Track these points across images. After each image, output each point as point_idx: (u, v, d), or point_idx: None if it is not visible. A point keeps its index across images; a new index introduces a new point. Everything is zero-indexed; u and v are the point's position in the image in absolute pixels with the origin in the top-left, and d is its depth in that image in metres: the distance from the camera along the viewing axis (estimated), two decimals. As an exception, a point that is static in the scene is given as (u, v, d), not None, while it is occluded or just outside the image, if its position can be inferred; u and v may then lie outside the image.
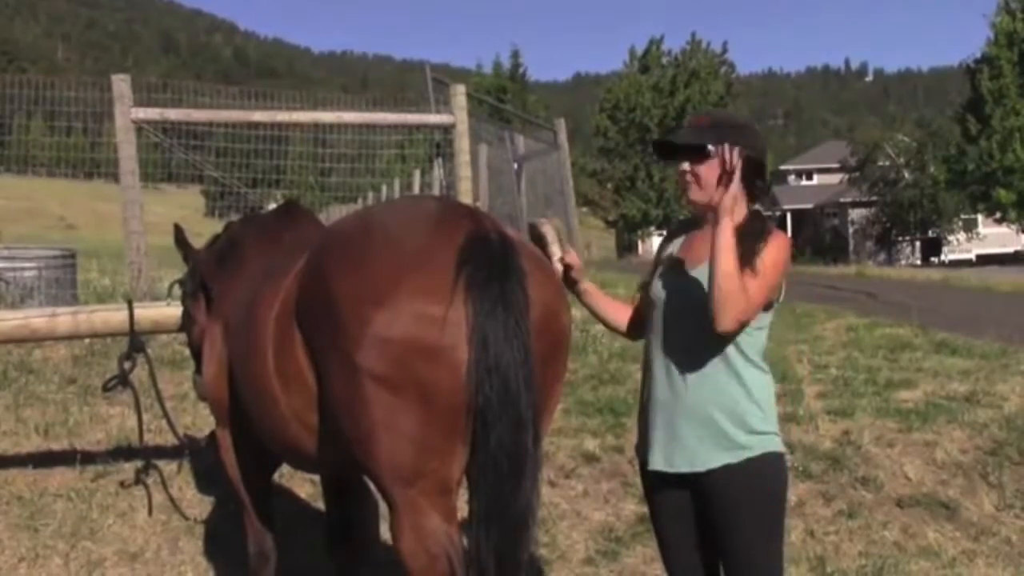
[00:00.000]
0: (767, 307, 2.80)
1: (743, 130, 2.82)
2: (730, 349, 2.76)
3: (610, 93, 56.05)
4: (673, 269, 2.89)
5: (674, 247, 2.98)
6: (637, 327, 3.10)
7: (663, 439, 2.83)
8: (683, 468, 2.79)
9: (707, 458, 2.75)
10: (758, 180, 2.84)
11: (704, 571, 2.92)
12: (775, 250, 2.72)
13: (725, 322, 2.61)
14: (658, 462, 2.85)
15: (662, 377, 2.85)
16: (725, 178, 2.67)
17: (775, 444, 2.81)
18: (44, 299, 7.72)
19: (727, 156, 2.66)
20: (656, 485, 2.92)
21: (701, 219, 2.91)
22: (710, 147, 2.74)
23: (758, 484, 2.76)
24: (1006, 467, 5.52)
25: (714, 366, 2.77)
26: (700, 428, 2.76)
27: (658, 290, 2.90)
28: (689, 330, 2.77)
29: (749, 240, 2.69)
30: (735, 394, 2.77)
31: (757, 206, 2.88)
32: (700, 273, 2.77)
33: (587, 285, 3.14)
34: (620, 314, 3.19)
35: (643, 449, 2.94)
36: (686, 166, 2.81)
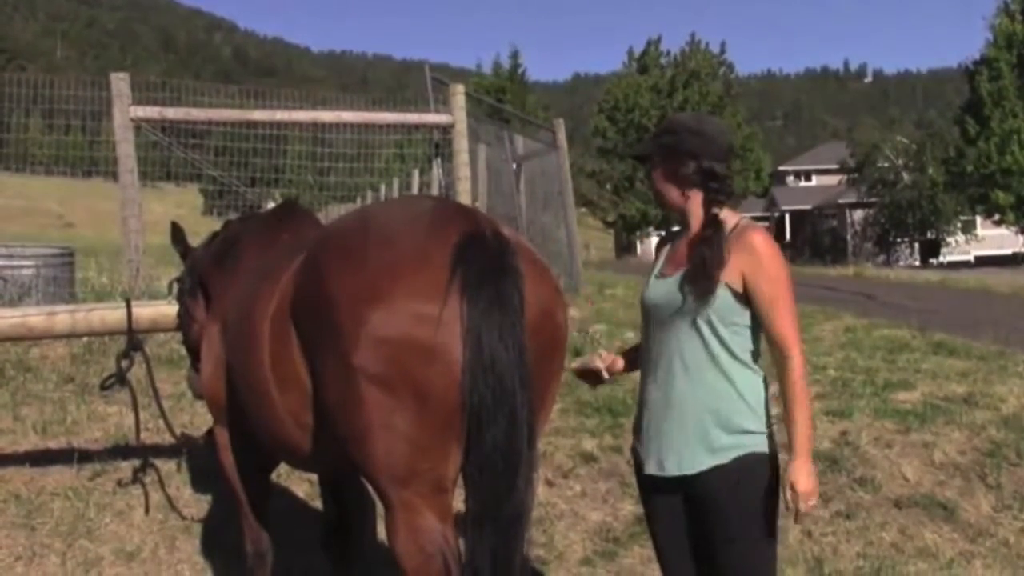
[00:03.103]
0: (747, 302, 2.77)
1: (687, 135, 2.80)
2: (718, 350, 2.76)
3: (609, 94, 55.99)
4: (660, 276, 2.91)
5: (663, 255, 3.00)
6: None
7: (656, 443, 2.84)
8: (673, 472, 2.79)
9: (695, 461, 2.76)
10: (711, 183, 2.80)
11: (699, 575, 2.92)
12: (769, 257, 2.73)
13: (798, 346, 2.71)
14: (651, 466, 2.86)
15: (654, 382, 2.87)
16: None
17: (765, 445, 2.80)
18: (42, 297, 7.72)
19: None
20: (651, 489, 2.92)
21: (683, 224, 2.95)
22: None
23: (748, 484, 2.75)
24: (1004, 468, 5.53)
25: (703, 368, 2.76)
26: (689, 430, 2.76)
27: (648, 296, 2.92)
28: (676, 333, 2.79)
29: (702, 249, 2.74)
30: (724, 394, 2.76)
31: (722, 211, 2.82)
32: (681, 277, 2.79)
33: (616, 362, 3.13)
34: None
35: (638, 453, 2.96)
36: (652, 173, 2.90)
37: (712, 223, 2.78)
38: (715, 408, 2.75)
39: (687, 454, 2.76)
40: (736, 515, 2.74)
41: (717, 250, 2.71)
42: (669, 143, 2.82)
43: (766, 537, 2.80)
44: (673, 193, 2.85)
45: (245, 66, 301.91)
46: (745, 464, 2.74)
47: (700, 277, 2.72)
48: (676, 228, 3.06)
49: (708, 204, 2.81)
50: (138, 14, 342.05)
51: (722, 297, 2.72)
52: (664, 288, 2.84)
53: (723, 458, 2.74)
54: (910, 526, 5.06)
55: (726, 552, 2.77)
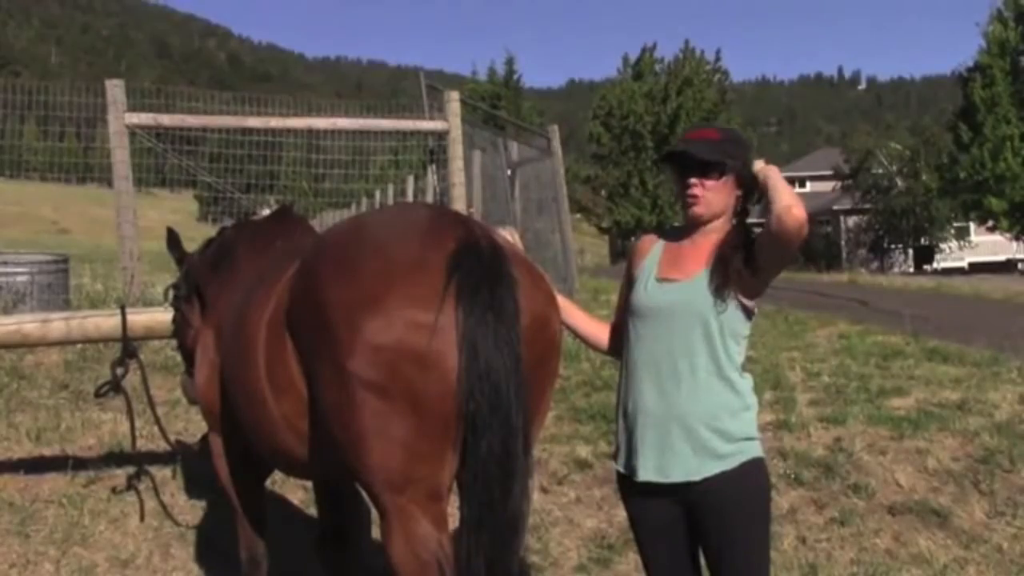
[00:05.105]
0: (749, 315, 2.83)
1: (746, 146, 2.85)
2: (723, 357, 2.78)
3: (604, 100, 56.00)
4: (663, 279, 2.86)
5: (653, 258, 2.93)
6: (619, 345, 3.02)
7: (654, 449, 2.79)
8: (678, 478, 2.77)
9: (702, 467, 2.75)
10: (746, 194, 2.87)
11: None
12: None
13: (802, 212, 2.59)
14: (648, 473, 2.81)
15: (651, 387, 2.81)
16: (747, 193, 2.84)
17: (760, 448, 2.85)
18: (37, 304, 7.72)
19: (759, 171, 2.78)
20: (642, 497, 2.87)
21: (684, 229, 2.92)
22: (727, 162, 2.79)
23: (752, 488, 2.78)
24: (997, 475, 5.54)
25: (709, 374, 2.77)
26: (696, 436, 2.75)
27: (647, 300, 2.86)
28: (684, 340, 2.78)
29: (735, 251, 2.76)
30: (730, 401, 2.78)
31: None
32: (696, 283, 2.78)
33: (559, 298, 3.00)
34: (596, 328, 3.16)
35: (627, 460, 2.88)
36: (695, 180, 2.82)
37: (742, 229, 2.84)
38: (721, 415, 2.76)
39: (693, 460, 2.75)
40: (740, 519, 2.76)
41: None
42: (739, 154, 2.81)
43: (766, 539, 2.84)
44: (725, 201, 2.83)
45: (239, 72, 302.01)
46: (748, 469, 2.77)
47: (728, 277, 2.76)
48: (654, 230, 3.10)
49: (735, 214, 2.88)
50: (132, 20, 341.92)
51: (732, 306, 2.76)
52: (674, 293, 2.80)
53: (729, 464, 2.75)
54: (904, 532, 5.07)
55: (729, 556, 2.77)
